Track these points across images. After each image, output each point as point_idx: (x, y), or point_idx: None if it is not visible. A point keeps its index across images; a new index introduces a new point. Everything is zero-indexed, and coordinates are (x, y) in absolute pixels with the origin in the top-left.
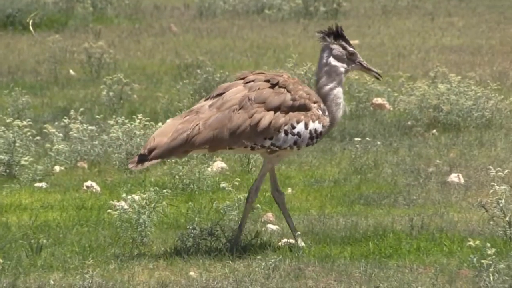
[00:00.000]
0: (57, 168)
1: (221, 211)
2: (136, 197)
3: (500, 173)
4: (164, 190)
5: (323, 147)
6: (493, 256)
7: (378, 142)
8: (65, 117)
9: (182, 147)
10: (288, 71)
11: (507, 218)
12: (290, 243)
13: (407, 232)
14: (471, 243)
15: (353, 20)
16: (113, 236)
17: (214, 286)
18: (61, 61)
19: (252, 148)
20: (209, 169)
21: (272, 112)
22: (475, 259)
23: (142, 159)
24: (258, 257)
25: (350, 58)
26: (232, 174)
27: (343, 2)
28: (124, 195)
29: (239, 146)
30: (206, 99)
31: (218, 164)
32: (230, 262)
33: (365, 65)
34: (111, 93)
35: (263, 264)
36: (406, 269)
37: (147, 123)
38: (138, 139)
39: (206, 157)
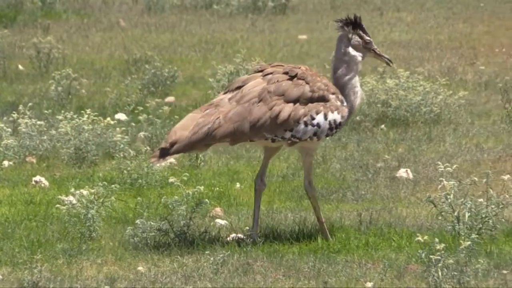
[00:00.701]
0: (5, 163)
1: (170, 206)
2: (85, 192)
3: (448, 169)
4: (113, 185)
5: None
6: (442, 252)
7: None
8: (14, 112)
9: (203, 141)
10: (236, 66)
11: (456, 213)
12: (238, 237)
13: (356, 227)
14: (420, 238)
15: (302, 15)
16: (62, 231)
17: (163, 281)
18: (10, 56)
19: (273, 140)
20: (158, 164)
21: (291, 104)
22: (423, 254)
23: (164, 153)
24: (206, 252)
25: (365, 47)
26: (180, 169)
27: None
28: (72, 190)
29: (260, 138)
30: (225, 92)
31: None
32: (178, 257)
33: (378, 52)
34: (59, 88)
35: (212, 259)
36: (355, 264)
37: (96, 118)
38: (87, 134)
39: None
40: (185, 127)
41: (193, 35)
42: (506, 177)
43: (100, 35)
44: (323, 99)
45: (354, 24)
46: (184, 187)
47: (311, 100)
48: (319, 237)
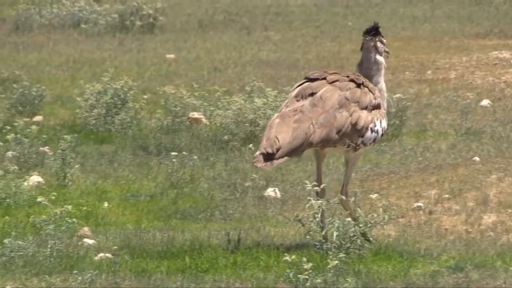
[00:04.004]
0: None
1: (38, 225)
2: None
3: (316, 188)
4: None
5: (139, 161)
6: (310, 271)
7: (195, 157)
8: None
9: (302, 146)
10: (105, 86)
11: (323, 233)
12: (107, 257)
13: (224, 247)
14: (288, 257)
15: (170, 34)
16: None
17: None
18: None
19: (348, 146)
20: (26, 183)
21: (364, 111)
22: (291, 274)
23: (270, 157)
24: (74, 271)
25: (385, 50)
26: (48, 188)
27: (159, 17)
28: None
29: (341, 144)
30: (298, 100)
31: (35, 179)
32: (46, 276)
33: (386, 50)
34: None
35: (80, 278)
36: (223, 283)
37: None
38: None
39: (22, 171)
40: (283, 132)
41: (61, 54)
42: (374, 196)
43: None
44: (378, 106)
45: (377, 31)
46: (52, 206)
47: (374, 107)
48: (187, 257)
